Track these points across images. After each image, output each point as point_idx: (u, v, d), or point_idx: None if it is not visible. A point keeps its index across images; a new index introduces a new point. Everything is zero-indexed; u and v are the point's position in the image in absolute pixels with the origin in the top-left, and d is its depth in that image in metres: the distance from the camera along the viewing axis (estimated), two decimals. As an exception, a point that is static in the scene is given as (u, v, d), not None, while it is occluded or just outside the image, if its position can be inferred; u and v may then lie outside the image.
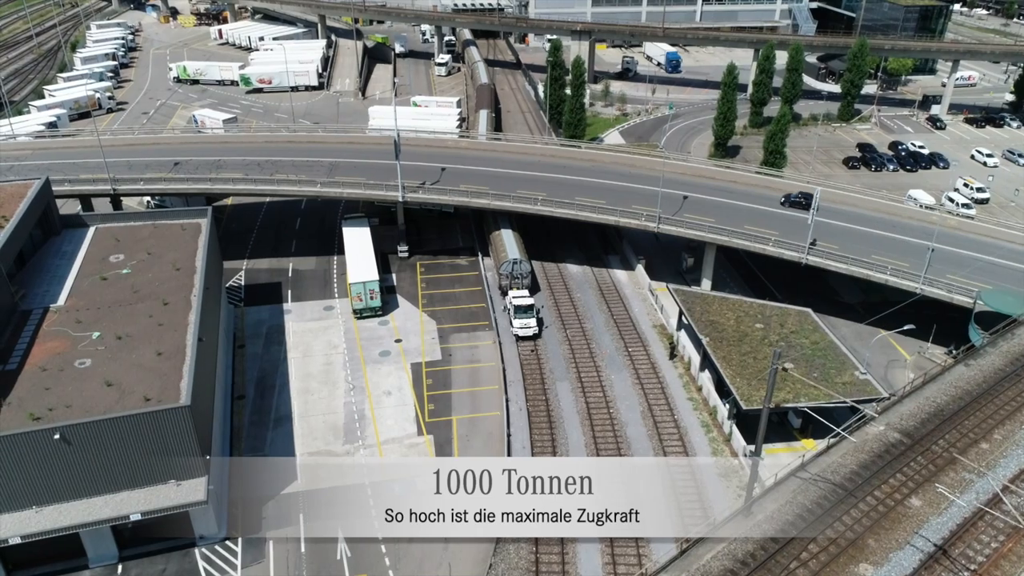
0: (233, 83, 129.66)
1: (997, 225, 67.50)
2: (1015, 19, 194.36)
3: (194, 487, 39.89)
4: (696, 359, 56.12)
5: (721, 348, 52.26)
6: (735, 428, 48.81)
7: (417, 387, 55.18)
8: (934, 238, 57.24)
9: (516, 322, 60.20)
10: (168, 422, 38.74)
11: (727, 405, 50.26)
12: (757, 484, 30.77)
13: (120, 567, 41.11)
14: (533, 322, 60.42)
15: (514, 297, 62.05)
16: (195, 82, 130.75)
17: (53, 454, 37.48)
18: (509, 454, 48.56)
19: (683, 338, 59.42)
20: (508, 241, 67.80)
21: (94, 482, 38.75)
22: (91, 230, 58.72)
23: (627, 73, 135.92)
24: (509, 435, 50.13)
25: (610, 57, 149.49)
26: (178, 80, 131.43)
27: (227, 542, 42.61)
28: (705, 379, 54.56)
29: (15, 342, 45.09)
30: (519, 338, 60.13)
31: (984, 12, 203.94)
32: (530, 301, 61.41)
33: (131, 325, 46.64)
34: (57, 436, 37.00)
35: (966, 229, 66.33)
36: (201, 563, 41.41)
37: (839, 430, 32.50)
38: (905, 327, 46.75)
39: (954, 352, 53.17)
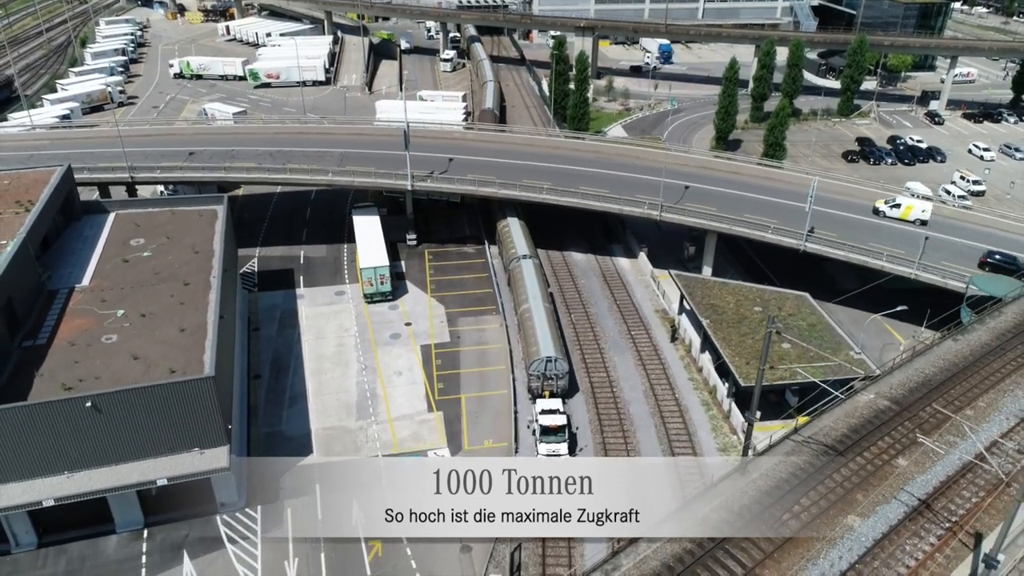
0: (236, 78, 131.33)
1: (988, 215, 69.26)
2: (1015, 17, 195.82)
3: (217, 455, 41.78)
4: (697, 341, 57.97)
5: (721, 330, 54.06)
6: (734, 405, 50.66)
7: (427, 367, 57.05)
8: (928, 226, 59.04)
9: (542, 446, 47.23)
10: (193, 392, 40.62)
11: (726, 384, 52.11)
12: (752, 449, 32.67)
13: (145, 532, 42.94)
14: (563, 448, 47.01)
15: (542, 412, 48.74)
16: (198, 77, 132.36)
17: (84, 422, 39.35)
18: (516, 432, 50.43)
19: (684, 321, 61.26)
20: (539, 322, 54.91)
21: (122, 449, 40.62)
22: (111, 216, 60.69)
23: (644, 68, 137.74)
24: (516, 412, 52.03)
25: (613, 53, 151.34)
26: (179, 76, 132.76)
27: (247, 510, 44.51)
28: (705, 360, 56.40)
29: (43, 319, 47.05)
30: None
31: (984, 10, 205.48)
32: (562, 420, 47.91)
33: (154, 304, 48.58)
34: (89, 404, 38.88)
35: (961, 219, 68.18)
36: (223, 529, 43.27)
37: (836, 393, 34.31)
38: (898, 308, 48.55)
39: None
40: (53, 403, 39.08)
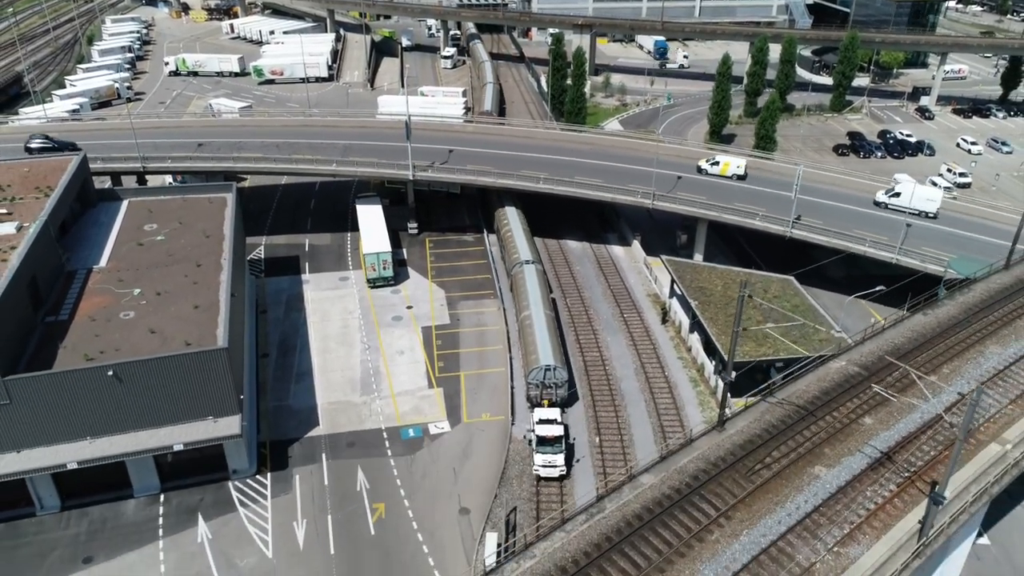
0: (233, 74, 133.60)
1: (970, 204, 71.78)
2: (1009, 15, 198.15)
3: (229, 423, 44.34)
4: (686, 322, 60.48)
5: (709, 311, 56.54)
6: (720, 382, 53.10)
7: (428, 347, 59.59)
8: (907, 213, 61.50)
9: (537, 457, 46.16)
10: (207, 363, 43.17)
11: (713, 362, 54.60)
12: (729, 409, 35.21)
13: (162, 497, 45.51)
14: (560, 459, 45.81)
15: (539, 421, 47.75)
16: (194, 74, 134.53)
17: (105, 390, 41.92)
18: (512, 406, 52.95)
19: (675, 304, 63.76)
20: (539, 330, 54.10)
21: (141, 417, 43.20)
22: (124, 203, 63.28)
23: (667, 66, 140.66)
24: (512, 388, 54.56)
25: (611, 51, 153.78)
26: (175, 73, 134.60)
27: (257, 476, 47.10)
28: (694, 340, 58.91)
29: (64, 297, 49.61)
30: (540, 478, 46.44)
31: (979, 8, 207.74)
32: (559, 431, 46.51)
33: (168, 283, 51.15)
34: (110, 373, 41.44)
35: (945, 207, 70.58)
36: (235, 494, 45.85)
37: (815, 356, 36.77)
38: (876, 288, 51.06)
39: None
40: (77, 372, 41.64)
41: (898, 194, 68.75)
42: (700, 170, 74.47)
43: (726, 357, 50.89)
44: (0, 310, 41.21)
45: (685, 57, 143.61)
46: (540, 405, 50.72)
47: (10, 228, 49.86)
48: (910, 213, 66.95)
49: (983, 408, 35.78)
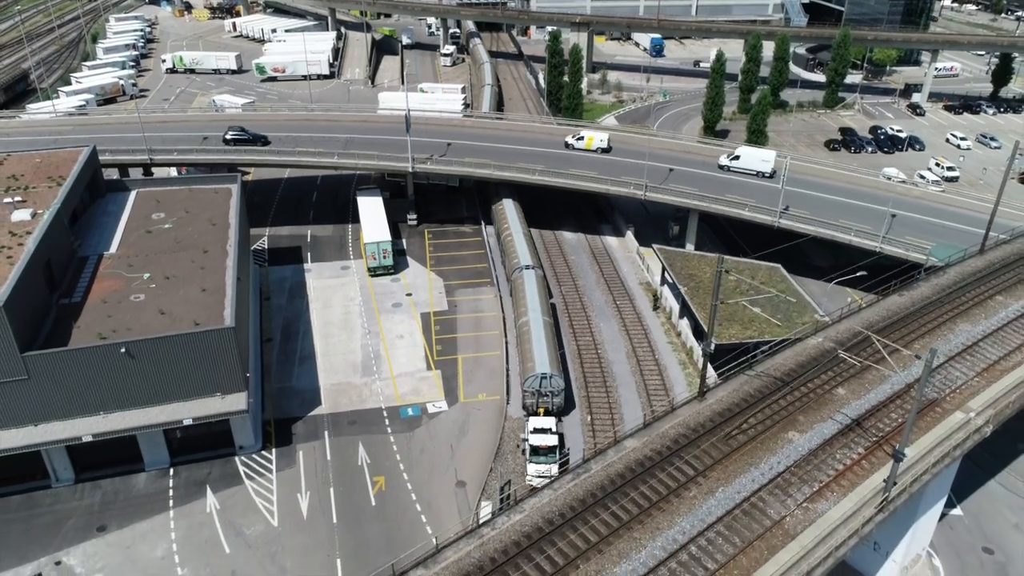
0: (230, 71, 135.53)
1: (955, 195, 73.94)
2: (1003, 14, 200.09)
3: (236, 399, 46.40)
4: (676, 308, 62.53)
5: (697, 296, 58.59)
6: (709, 364, 55.09)
7: (426, 332, 61.63)
8: (890, 204, 63.63)
9: (531, 467, 45.44)
10: (215, 341, 45.25)
11: (702, 345, 56.53)
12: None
13: (171, 470, 47.58)
14: (555, 470, 43.84)
15: (534, 430, 47.16)
16: (191, 71, 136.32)
17: (118, 367, 43.99)
18: (508, 388, 55.00)
19: (665, 291, 65.79)
20: (536, 337, 53.27)
21: (152, 393, 45.26)
22: (133, 193, 65.31)
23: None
24: (508, 370, 56.61)
25: (608, 49, 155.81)
26: (172, 70, 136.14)
27: (262, 452, 49.15)
28: (684, 325, 60.94)
29: (77, 281, 51.64)
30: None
31: (974, 7, 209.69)
32: (553, 440, 46.04)
33: (177, 268, 53.19)
34: (123, 350, 43.51)
35: (928, 199, 72.74)
36: (241, 468, 47.92)
37: (793, 335, 38.81)
38: (858, 273, 53.10)
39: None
40: (91, 348, 43.72)
41: (738, 157, 76.44)
42: (568, 145, 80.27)
43: (712, 339, 53.30)
44: (18, 290, 43.14)
45: (697, 64, 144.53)
46: (536, 413, 50.00)
47: (25, 215, 51.91)
48: (748, 173, 75.49)
49: (951, 380, 37.83)
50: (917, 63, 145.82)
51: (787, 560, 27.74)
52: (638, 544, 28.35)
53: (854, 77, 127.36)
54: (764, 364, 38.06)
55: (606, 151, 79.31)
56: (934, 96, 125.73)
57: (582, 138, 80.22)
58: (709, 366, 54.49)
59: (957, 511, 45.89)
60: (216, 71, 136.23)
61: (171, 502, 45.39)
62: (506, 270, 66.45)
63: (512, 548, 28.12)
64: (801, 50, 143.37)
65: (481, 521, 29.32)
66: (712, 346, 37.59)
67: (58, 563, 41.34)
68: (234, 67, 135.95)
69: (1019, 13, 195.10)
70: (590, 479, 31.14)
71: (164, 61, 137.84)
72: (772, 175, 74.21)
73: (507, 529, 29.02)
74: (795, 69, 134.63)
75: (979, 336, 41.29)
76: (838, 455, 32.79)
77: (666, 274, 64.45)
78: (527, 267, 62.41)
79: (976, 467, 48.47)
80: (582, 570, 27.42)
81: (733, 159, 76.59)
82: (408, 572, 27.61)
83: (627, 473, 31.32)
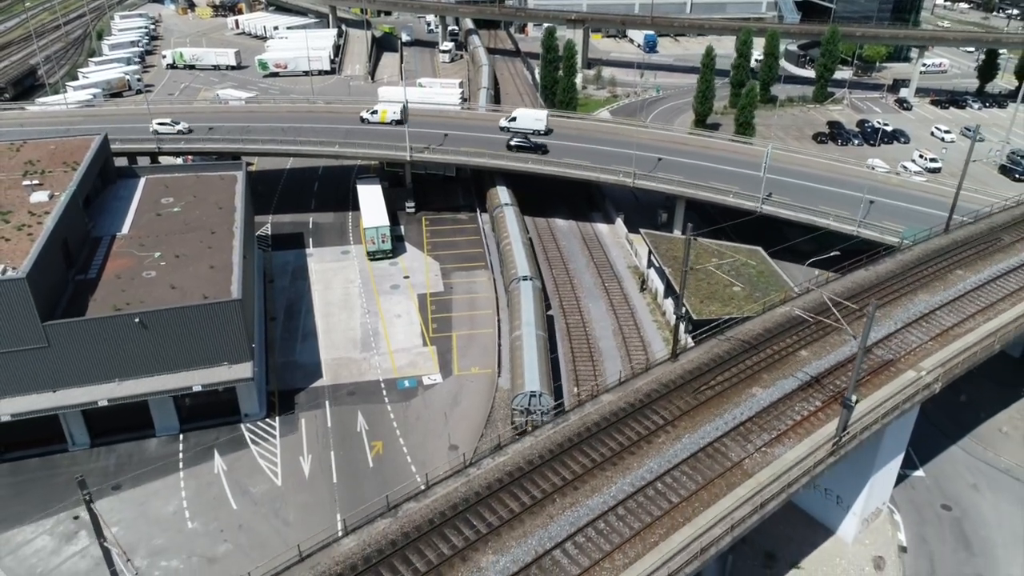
0: (229, 67, 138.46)
1: (933, 184, 76.88)
2: (995, 12, 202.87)
3: (242, 368, 49.32)
4: (661, 289, 65.44)
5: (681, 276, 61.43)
6: (690, 339, 57.99)
7: (423, 311, 64.59)
8: (867, 191, 66.60)
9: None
10: (223, 313, 48.19)
11: (675, 310, 59.33)
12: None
13: (181, 436, 50.54)
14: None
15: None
16: (191, 67, 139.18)
17: (132, 336, 46.93)
18: (499, 362, 57.93)
19: (652, 274, 68.71)
20: (528, 353, 51.77)
21: (164, 361, 48.17)
22: (142, 179, 68.31)
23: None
24: (500, 346, 59.54)
25: (604, 46, 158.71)
26: (172, 67, 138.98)
27: (267, 420, 52.10)
28: (668, 305, 63.84)
29: (91, 259, 54.61)
30: None
31: (966, 6, 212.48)
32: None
33: (185, 248, 56.16)
34: (137, 320, 46.46)
35: (906, 187, 75.63)
36: (247, 434, 50.88)
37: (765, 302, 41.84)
38: (832, 253, 55.93)
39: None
40: (107, 319, 46.68)
41: (515, 118, 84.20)
42: (363, 120, 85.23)
43: (692, 314, 56.28)
44: (39, 264, 46.06)
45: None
46: (524, 433, 47.73)
47: (43, 196, 54.89)
48: (525, 133, 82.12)
49: (906, 343, 40.73)
50: (907, 60, 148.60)
51: (744, 495, 30.62)
52: (609, 481, 31.26)
53: (845, 73, 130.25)
54: (735, 330, 40.95)
55: (399, 123, 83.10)
56: (922, 91, 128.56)
57: (376, 112, 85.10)
58: (689, 336, 57.93)
59: (920, 472, 48.82)
60: (216, 67, 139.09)
61: (181, 464, 48.34)
62: (504, 279, 65.69)
63: (495, 484, 31.01)
64: (793, 47, 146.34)
65: (467, 463, 32.19)
66: (683, 310, 40.38)
67: (76, 518, 44.23)
68: (233, 63, 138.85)
69: (1011, 11, 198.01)
70: (568, 427, 34.05)
71: (164, 57, 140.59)
72: (547, 132, 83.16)
73: (492, 469, 31.92)
74: (786, 65, 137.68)
75: (936, 305, 44.16)
76: (797, 407, 35.67)
77: (652, 257, 67.35)
78: (525, 278, 61.09)
79: (941, 434, 51.46)
80: (559, 503, 30.33)
81: (511, 120, 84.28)
82: (401, 504, 30.54)
83: (602, 422, 34.21)
